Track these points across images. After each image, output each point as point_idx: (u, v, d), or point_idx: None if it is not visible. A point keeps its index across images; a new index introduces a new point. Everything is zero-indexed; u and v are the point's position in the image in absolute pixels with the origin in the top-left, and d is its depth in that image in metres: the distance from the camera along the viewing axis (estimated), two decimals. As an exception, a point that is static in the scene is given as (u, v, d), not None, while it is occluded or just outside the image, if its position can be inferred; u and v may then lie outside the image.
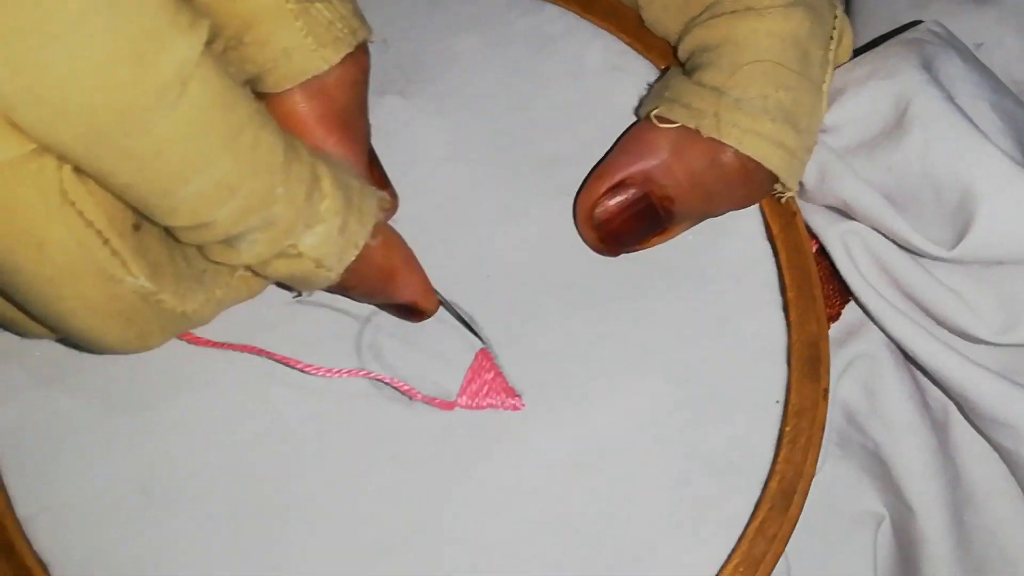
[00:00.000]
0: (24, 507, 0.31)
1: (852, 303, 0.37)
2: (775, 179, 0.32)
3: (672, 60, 0.36)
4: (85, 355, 0.32)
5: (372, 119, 0.34)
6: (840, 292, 0.36)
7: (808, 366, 0.33)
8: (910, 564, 0.38)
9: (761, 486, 0.32)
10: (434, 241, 0.34)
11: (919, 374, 0.37)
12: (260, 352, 0.32)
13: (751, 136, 0.31)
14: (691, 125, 0.31)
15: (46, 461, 0.32)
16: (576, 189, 0.34)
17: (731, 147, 0.31)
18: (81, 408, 0.32)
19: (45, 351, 0.32)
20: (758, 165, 0.32)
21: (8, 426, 0.32)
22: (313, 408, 0.32)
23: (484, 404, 0.32)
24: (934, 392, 0.37)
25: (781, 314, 0.34)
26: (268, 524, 0.31)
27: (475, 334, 0.33)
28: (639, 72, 0.36)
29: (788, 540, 0.32)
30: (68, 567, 0.31)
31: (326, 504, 0.32)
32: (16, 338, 0.32)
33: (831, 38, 0.33)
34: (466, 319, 0.33)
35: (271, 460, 0.32)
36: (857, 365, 0.36)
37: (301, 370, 0.32)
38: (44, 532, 0.31)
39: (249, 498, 0.31)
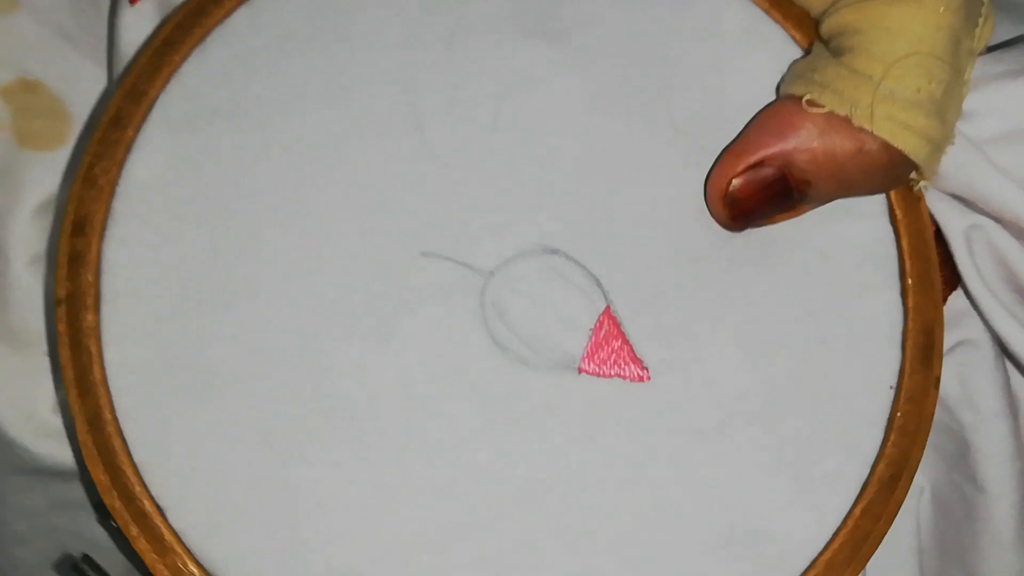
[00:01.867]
0: (141, 451, 0.31)
1: (959, 291, 0.37)
2: (915, 169, 0.32)
3: (809, 33, 0.35)
4: (206, 294, 0.32)
5: (510, 66, 0.33)
6: (949, 279, 0.37)
7: (922, 353, 0.34)
8: (966, 540, 0.39)
9: (869, 468, 0.33)
10: (562, 198, 0.34)
11: (1010, 364, 0.38)
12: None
13: (904, 130, 0.31)
14: (842, 112, 0.31)
15: (162, 404, 0.31)
16: (707, 157, 0.34)
17: (881, 138, 0.31)
18: (199, 349, 0.32)
19: (169, 288, 0.32)
20: (904, 157, 0.31)
21: (124, 365, 0.31)
22: (435, 362, 0.32)
23: (610, 372, 0.32)
24: (1016, 379, 0.38)
25: (899, 298, 0.34)
26: (386, 472, 0.31)
27: (602, 294, 0.33)
28: (775, 41, 0.35)
29: (892, 522, 0.33)
30: (186, 513, 0.31)
31: (442, 461, 0.32)
32: (138, 272, 0.32)
33: (976, 25, 0.33)
34: (593, 278, 0.33)
35: (392, 412, 0.32)
36: (957, 352, 0.37)
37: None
38: (160, 478, 0.31)
39: (370, 444, 0.31)
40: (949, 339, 0.37)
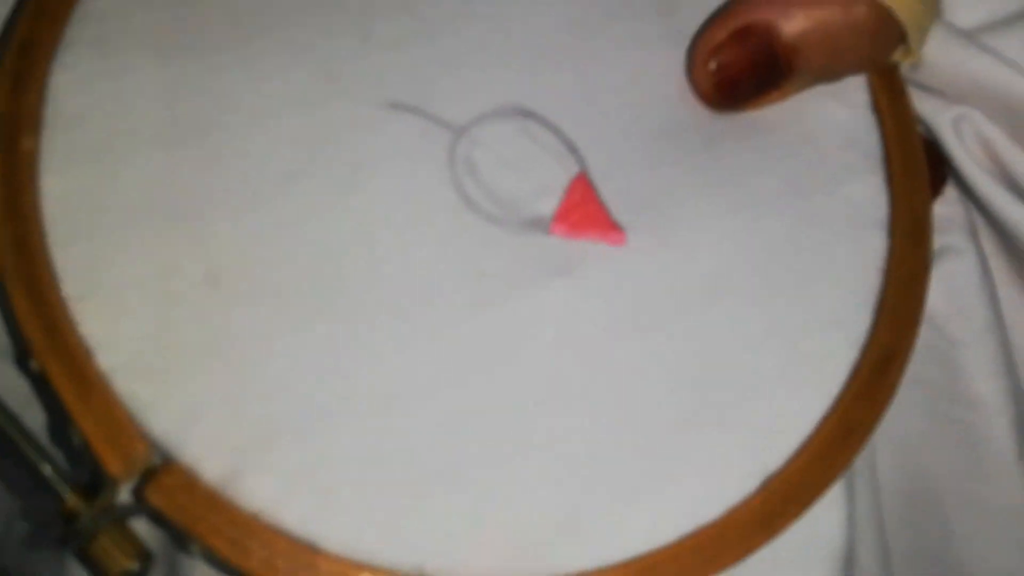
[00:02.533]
0: (71, 285, 0.28)
1: (943, 198, 0.36)
2: (900, 41, 0.32)
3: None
4: (155, 130, 0.30)
5: None
6: (936, 182, 0.35)
7: (911, 238, 0.32)
8: (965, 467, 0.37)
9: (860, 351, 0.31)
10: (539, 61, 0.32)
11: (999, 279, 0.36)
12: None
13: None
14: None
15: (99, 238, 0.28)
16: (686, 38, 0.33)
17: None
18: (142, 188, 0.29)
19: (118, 120, 0.29)
20: (889, 19, 0.31)
21: (60, 195, 0.29)
22: (400, 216, 0.30)
23: (583, 234, 0.30)
24: (1003, 292, 0.37)
25: (884, 184, 0.33)
26: (343, 324, 0.28)
27: (577, 159, 0.31)
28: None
29: (884, 411, 0.31)
30: (116, 354, 0.27)
31: (405, 315, 0.29)
32: (84, 99, 0.29)
33: None
34: (568, 143, 0.31)
35: (350, 262, 0.29)
36: (943, 259, 0.35)
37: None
38: (92, 315, 0.28)
39: (327, 295, 0.29)
40: (935, 246, 0.35)
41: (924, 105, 0.35)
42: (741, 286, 0.31)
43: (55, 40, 0.30)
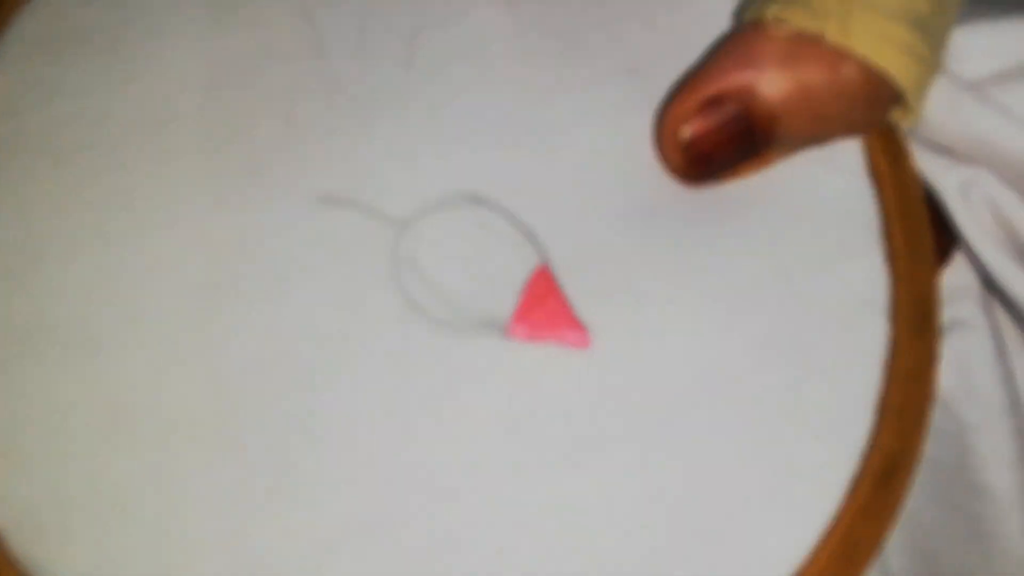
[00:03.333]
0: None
1: (952, 265, 0.32)
2: (898, 101, 0.28)
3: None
4: (57, 245, 0.26)
5: (426, 4, 0.29)
6: (942, 250, 0.32)
7: (916, 324, 0.29)
8: (969, 561, 0.33)
9: (861, 459, 0.27)
10: (490, 143, 0.29)
11: (1012, 357, 0.32)
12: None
13: (886, 44, 0.26)
14: (813, 29, 0.27)
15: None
16: (655, 104, 0.29)
17: (857, 58, 0.27)
18: (50, 305, 0.26)
19: (18, 234, 0.26)
20: (884, 81, 0.27)
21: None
22: (334, 329, 0.26)
23: (544, 336, 0.27)
24: (1020, 371, 0.33)
25: (884, 262, 0.29)
26: (277, 464, 0.25)
27: (537, 250, 0.28)
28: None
29: (889, 528, 0.27)
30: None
31: (343, 448, 0.26)
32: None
33: None
34: (526, 232, 0.28)
35: (276, 387, 0.26)
36: (953, 334, 0.32)
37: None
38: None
39: (256, 425, 0.25)
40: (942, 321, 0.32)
41: (927, 163, 0.31)
42: (724, 391, 0.27)
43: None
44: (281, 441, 0.25)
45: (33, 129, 0.27)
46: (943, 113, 0.29)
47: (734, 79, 0.27)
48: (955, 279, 0.32)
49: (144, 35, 0.28)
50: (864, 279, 0.29)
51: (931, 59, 0.27)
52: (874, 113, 0.28)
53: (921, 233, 0.29)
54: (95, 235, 0.26)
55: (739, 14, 0.30)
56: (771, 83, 0.27)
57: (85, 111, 0.28)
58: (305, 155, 0.28)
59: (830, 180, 0.30)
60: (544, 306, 0.27)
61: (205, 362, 0.25)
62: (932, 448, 0.33)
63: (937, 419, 0.33)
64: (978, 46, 0.29)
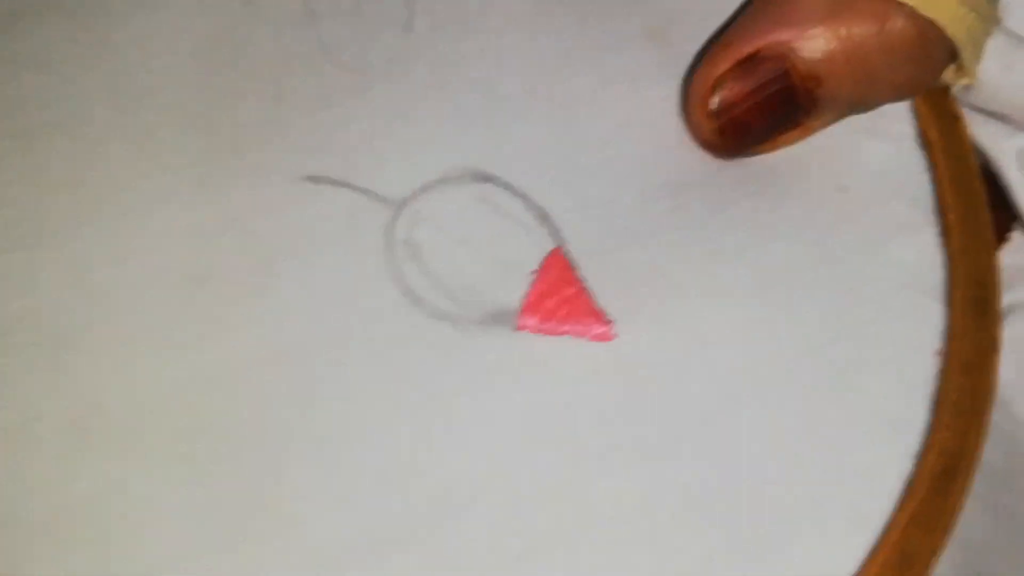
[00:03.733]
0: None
1: (1009, 245, 0.29)
2: (952, 58, 0.25)
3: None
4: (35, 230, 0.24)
5: None
6: (998, 228, 0.29)
7: (974, 308, 0.26)
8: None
9: (914, 459, 0.25)
10: (498, 113, 0.26)
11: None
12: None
13: None
14: None
15: None
16: (684, 67, 0.27)
17: (906, 9, 0.24)
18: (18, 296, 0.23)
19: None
20: (938, 35, 0.24)
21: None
22: (327, 321, 0.24)
23: (561, 329, 0.24)
24: None
25: (938, 240, 0.26)
26: (270, 472, 0.23)
27: (551, 232, 0.25)
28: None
29: (949, 534, 0.24)
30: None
31: (340, 455, 0.23)
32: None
33: None
34: (538, 212, 0.25)
35: (268, 389, 0.23)
36: (1012, 319, 0.29)
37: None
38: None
39: (235, 435, 0.23)
40: (1003, 305, 0.29)
41: (982, 132, 0.28)
42: (763, 388, 0.25)
43: None
44: (273, 448, 0.23)
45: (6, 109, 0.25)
46: (998, 74, 0.26)
47: (772, 37, 0.25)
48: (1015, 259, 0.29)
49: (120, 1, 0.26)
50: (916, 259, 0.26)
51: (987, 10, 0.24)
52: (926, 72, 0.25)
53: (977, 207, 0.27)
54: (66, 220, 0.24)
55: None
56: (813, 40, 0.25)
57: (54, 85, 0.25)
58: (294, 131, 0.25)
59: (877, 150, 0.27)
60: (559, 294, 0.24)
61: (185, 361, 0.23)
62: (984, 450, 0.30)
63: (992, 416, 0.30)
64: None
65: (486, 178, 0.25)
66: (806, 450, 0.24)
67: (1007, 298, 0.29)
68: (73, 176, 0.24)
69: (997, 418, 0.30)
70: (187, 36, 0.26)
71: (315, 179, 0.25)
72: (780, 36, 0.25)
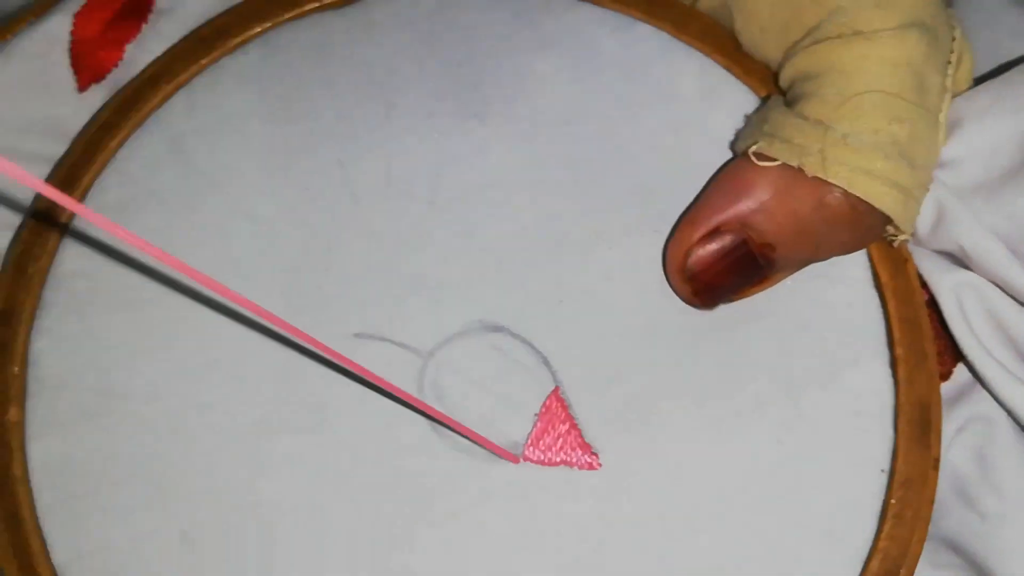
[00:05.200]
0: (59, 553, 0.29)
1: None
2: (888, 221, 0.29)
3: (774, 88, 0.33)
4: (129, 390, 0.30)
5: (449, 138, 0.32)
6: (953, 348, 0.33)
7: (917, 431, 0.30)
8: None
9: (862, 564, 0.29)
10: (507, 272, 0.31)
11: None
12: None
13: (861, 175, 0.28)
14: (793, 163, 0.28)
15: (83, 503, 0.29)
16: (667, 223, 0.31)
17: (839, 188, 0.28)
18: (121, 447, 0.30)
19: (95, 381, 0.30)
20: (869, 207, 0.28)
21: (46, 463, 0.30)
22: (369, 453, 0.30)
23: (556, 460, 0.30)
24: None
25: (888, 370, 0.31)
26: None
27: (551, 374, 0.30)
28: (737, 99, 0.33)
29: (890, 628, 0.29)
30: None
31: (375, 563, 0.29)
32: (64, 363, 0.30)
33: (949, 62, 0.30)
34: (540, 357, 0.30)
35: (321, 508, 0.29)
36: (970, 429, 0.32)
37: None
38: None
39: (295, 552, 0.29)
40: (961, 415, 0.33)
41: (925, 265, 0.32)
42: (730, 504, 0.29)
43: (34, 305, 0.31)
44: (316, 549, 0.29)
45: (112, 286, 0.31)
46: (929, 223, 0.30)
47: (730, 213, 0.29)
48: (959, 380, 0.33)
49: (206, 194, 0.32)
50: (867, 387, 0.30)
51: (913, 181, 0.28)
52: (864, 235, 0.30)
53: (921, 340, 0.31)
54: (161, 379, 0.30)
55: (733, 145, 0.32)
56: (764, 214, 0.29)
57: (160, 267, 0.32)
58: (342, 297, 0.31)
59: (834, 292, 0.31)
60: (556, 430, 0.30)
61: (256, 483, 0.29)
62: (950, 552, 0.33)
63: (958, 513, 0.33)
64: (965, 153, 0.30)
65: (496, 328, 0.31)
66: (765, 560, 0.29)
67: (964, 407, 0.33)
68: (168, 338, 0.31)
69: (964, 513, 0.33)
70: (253, 219, 0.32)
71: (360, 336, 0.31)
72: (736, 211, 0.29)
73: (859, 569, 0.29)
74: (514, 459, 0.29)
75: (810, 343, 0.31)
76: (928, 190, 0.30)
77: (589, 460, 0.29)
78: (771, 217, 0.29)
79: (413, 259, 0.31)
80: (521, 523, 0.29)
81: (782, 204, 0.29)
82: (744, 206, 0.29)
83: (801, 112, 0.29)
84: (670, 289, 0.31)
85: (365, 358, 0.30)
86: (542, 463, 0.30)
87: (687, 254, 0.29)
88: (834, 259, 0.31)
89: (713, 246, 0.29)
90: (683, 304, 0.31)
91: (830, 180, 0.28)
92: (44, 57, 0.35)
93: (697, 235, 0.29)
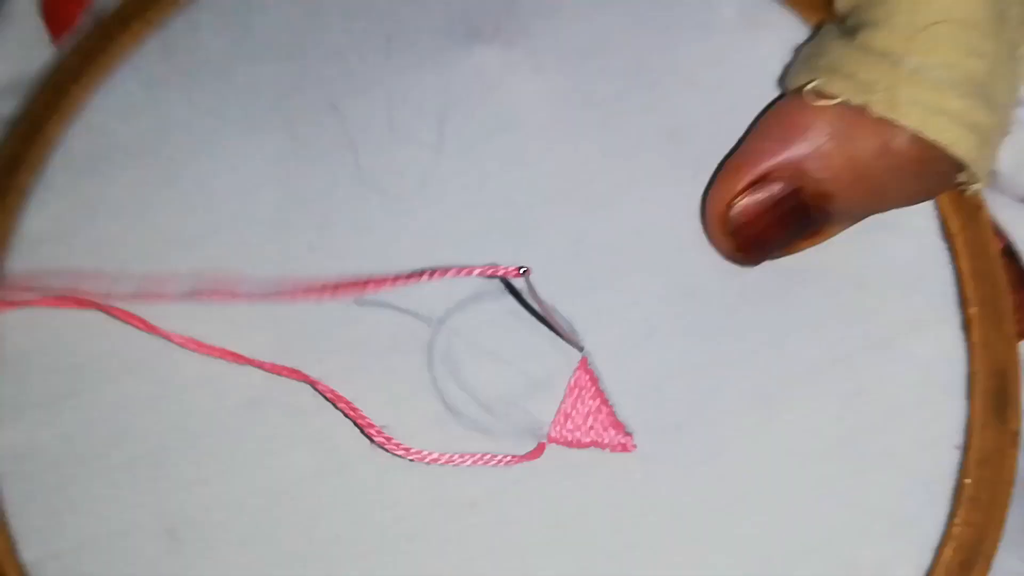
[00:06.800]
0: (29, 551, 0.26)
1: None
2: (961, 168, 0.25)
3: (826, 14, 0.29)
4: (102, 367, 0.27)
5: (457, 73, 0.29)
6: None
7: (994, 401, 0.26)
8: None
9: (933, 554, 0.26)
10: (526, 226, 0.28)
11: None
12: (319, 386, 0.26)
13: (935, 116, 0.24)
14: (856, 101, 0.25)
15: (55, 495, 0.26)
16: (703, 172, 0.28)
17: (909, 130, 0.24)
18: (97, 432, 0.27)
19: (56, 362, 0.27)
20: (941, 152, 0.25)
21: (13, 451, 0.27)
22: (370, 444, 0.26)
23: (585, 441, 0.26)
24: None
25: (960, 334, 0.27)
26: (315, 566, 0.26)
27: (577, 343, 0.27)
28: (784, 28, 0.29)
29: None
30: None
31: (383, 559, 0.26)
32: (27, 345, 0.27)
33: None
34: (565, 327, 0.27)
35: (320, 504, 0.26)
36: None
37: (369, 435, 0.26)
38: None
39: (293, 547, 0.26)
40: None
41: (1005, 213, 0.28)
42: (779, 492, 0.26)
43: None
44: (315, 539, 0.26)
45: (81, 249, 0.28)
46: (1010, 167, 0.27)
47: (782, 157, 0.26)
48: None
49: (182, 147, 0.29)
50: (935, 354, 0.27)
51: (991, 123, 0.25)
52: (934, 184, 0.26)
53: (998, 299, 0.27)
54: (146, 353, 0.27)
55: (782, 81, 0.28)
56: (821, 160, 0.25)
57: (130, 229, 0.28)
58: (339, 259, 0.27)
59: (896, 246, 0.28)
60: (584, 406, 0.26)
61: (248, 478, 0.26)
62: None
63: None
64: None
65: (514, 291, 0.27)
66: (825, 546, 0.26)
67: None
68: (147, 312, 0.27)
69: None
70: (237, 171, 0.28)
71: (362, 302, 0.27)
72: (788, 156, 0.25)
73: (930, 559, 0.26)
74: (536, 454, 0.26)
75: (870, 304, 0.27)
76: (1008, 132, 0.26)
77: (623, 441, 0.26)
78: (828, 163, 0.25)
79: (418, 214, 0.28)
80: (545, 512, 0.26)
81: (841, 148, 0.25)
82: (797, 150, 0.25)
83: (864, 43, 0.25)
84: (709, 244, 0.27)
85: (368, 327, 0.27)
86: (569, 444, 0.26)
87: (730, 205, 0.26)
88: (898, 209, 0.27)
89: (760, 195, 0.26)
90: (722, 267, 0.27)
91: (900, 121, 0.24)
92: (12, 11, 0.32)
93: (742, 183, 0.26)
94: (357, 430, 0.26)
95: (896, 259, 0.28)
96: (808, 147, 0.25)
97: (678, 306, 0.27)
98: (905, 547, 0.26)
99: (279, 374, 0.26)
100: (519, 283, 0.27)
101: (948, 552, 0.26)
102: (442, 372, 0.27)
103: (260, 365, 0.26)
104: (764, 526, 0.26)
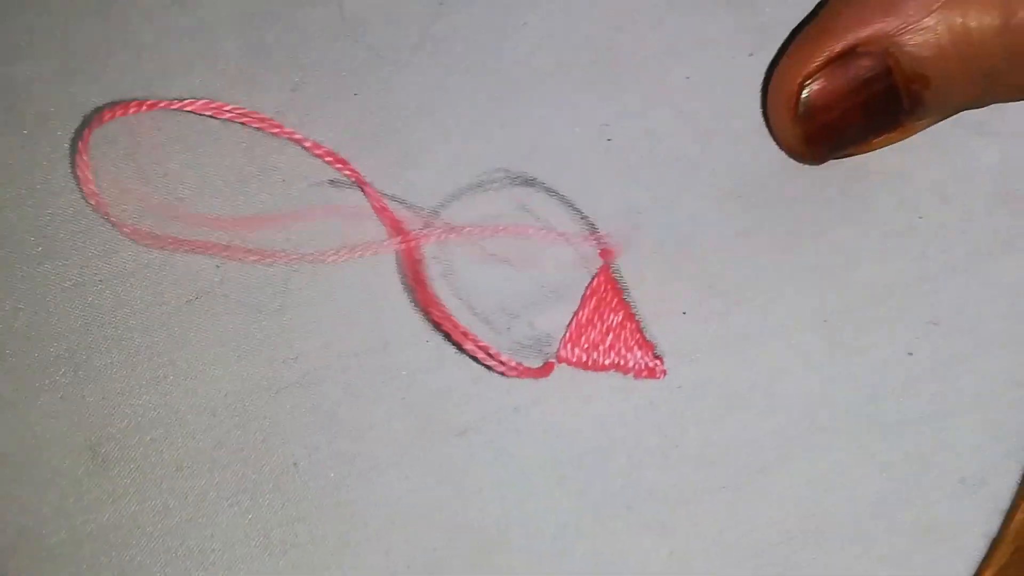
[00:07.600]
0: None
1: None
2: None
3: None
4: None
5: None
6: None
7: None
8: None
9: (1001, 516, 0.22)
10: (539, 103, 0.23)
11: None
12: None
13: None
14: None
15: None
16: (768, 41, 0.23)
17: None
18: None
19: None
20: None
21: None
22: (349, 348, 0.22)
23: (604, 363, 0.22)
24: None
25: (1052, 259, 0.23)
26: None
27: (598, 245, 0.22)
28: None
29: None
30: None
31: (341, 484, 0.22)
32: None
33: None
34: (585, 221, 0.22)
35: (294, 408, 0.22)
36: None
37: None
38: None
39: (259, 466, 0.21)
40: None
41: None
42: (831, 433, 0.22)
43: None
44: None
45: None
46: None
47: (873, 28, 0.21)
48: None
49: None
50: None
51: None
52: (1060, 70, 0.21)
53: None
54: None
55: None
56: (923, 33, 0.21)
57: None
58: (314, 124, 0.22)
59: (986, 152, 0.23)
60: (605, 321, 0.22)
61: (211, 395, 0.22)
62: None
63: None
64: None
65: (526, 181, 0.23)
66: (874, 503, 0.22)
67: None
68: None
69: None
70: (223, 55, 0.23)
71: (335, 183, 0.22)
72: (882, 27, 0.21)
73: (997, 523, 0.22)
74: (543, 372, 0.21)
75: (951, 222, 0.23)
76: None
77: (651, 365, 0.22)
78: (931, 39, 0.21)
79: (410, 79, 0.23)
80: (553, 449, 0.22)
81: (949, 21, 0.20)
82: (892, 22, 0.21)
83: None
84: (767, 142, 0.23)
85: (345, 214, 0.22)
86: (584, 366, 0.22)
87: (803, 84, 0.21)
88: (994, 106, 0.23)
89: (842, 73, 0.21)
90: (782, 165, 0.23)
91: None
92: None
93: (821, 57, 0.21)
94: (322, 334, 0.22)
95: (986, 169, 0.23)
96: (906, 18, 0.21)
97: (728, 207, 0.23)
98: (973, 509, 0.22)
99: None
100: (525, 168, 0.22)
101: (1021, 516, 0.22)
102: (435, 275, 0.22)
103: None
104: (817, 484, 0.22)
